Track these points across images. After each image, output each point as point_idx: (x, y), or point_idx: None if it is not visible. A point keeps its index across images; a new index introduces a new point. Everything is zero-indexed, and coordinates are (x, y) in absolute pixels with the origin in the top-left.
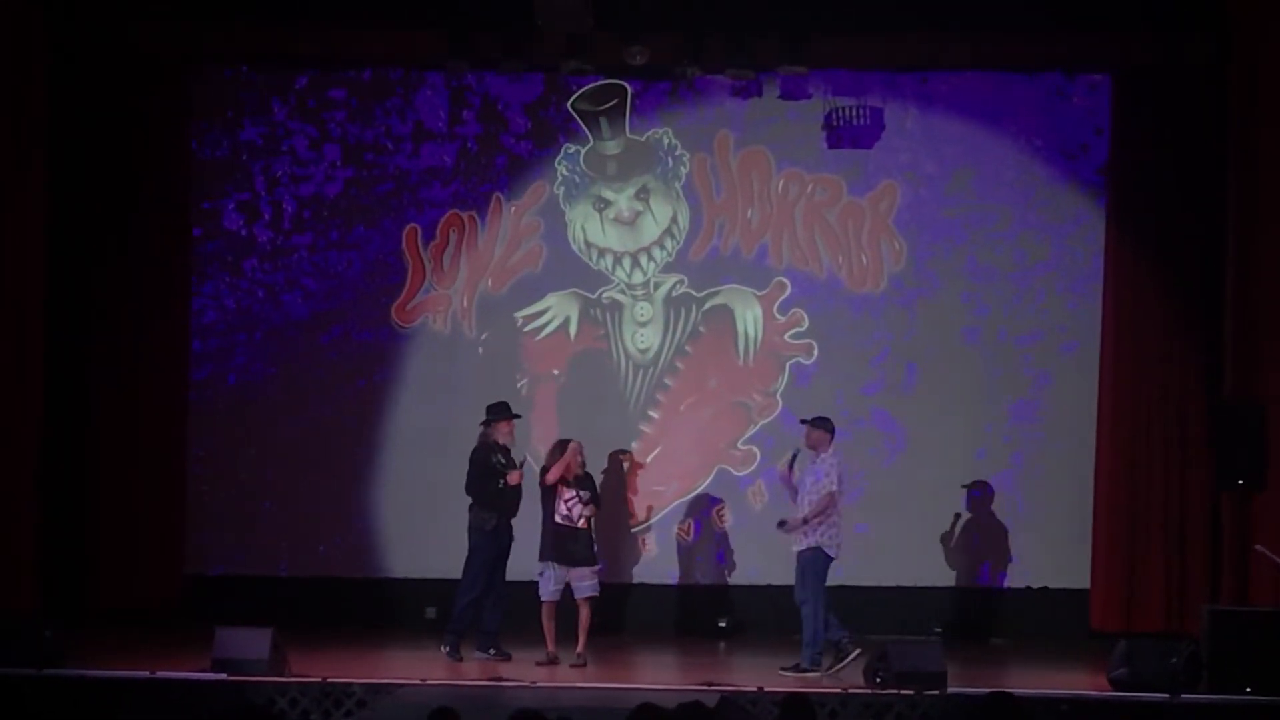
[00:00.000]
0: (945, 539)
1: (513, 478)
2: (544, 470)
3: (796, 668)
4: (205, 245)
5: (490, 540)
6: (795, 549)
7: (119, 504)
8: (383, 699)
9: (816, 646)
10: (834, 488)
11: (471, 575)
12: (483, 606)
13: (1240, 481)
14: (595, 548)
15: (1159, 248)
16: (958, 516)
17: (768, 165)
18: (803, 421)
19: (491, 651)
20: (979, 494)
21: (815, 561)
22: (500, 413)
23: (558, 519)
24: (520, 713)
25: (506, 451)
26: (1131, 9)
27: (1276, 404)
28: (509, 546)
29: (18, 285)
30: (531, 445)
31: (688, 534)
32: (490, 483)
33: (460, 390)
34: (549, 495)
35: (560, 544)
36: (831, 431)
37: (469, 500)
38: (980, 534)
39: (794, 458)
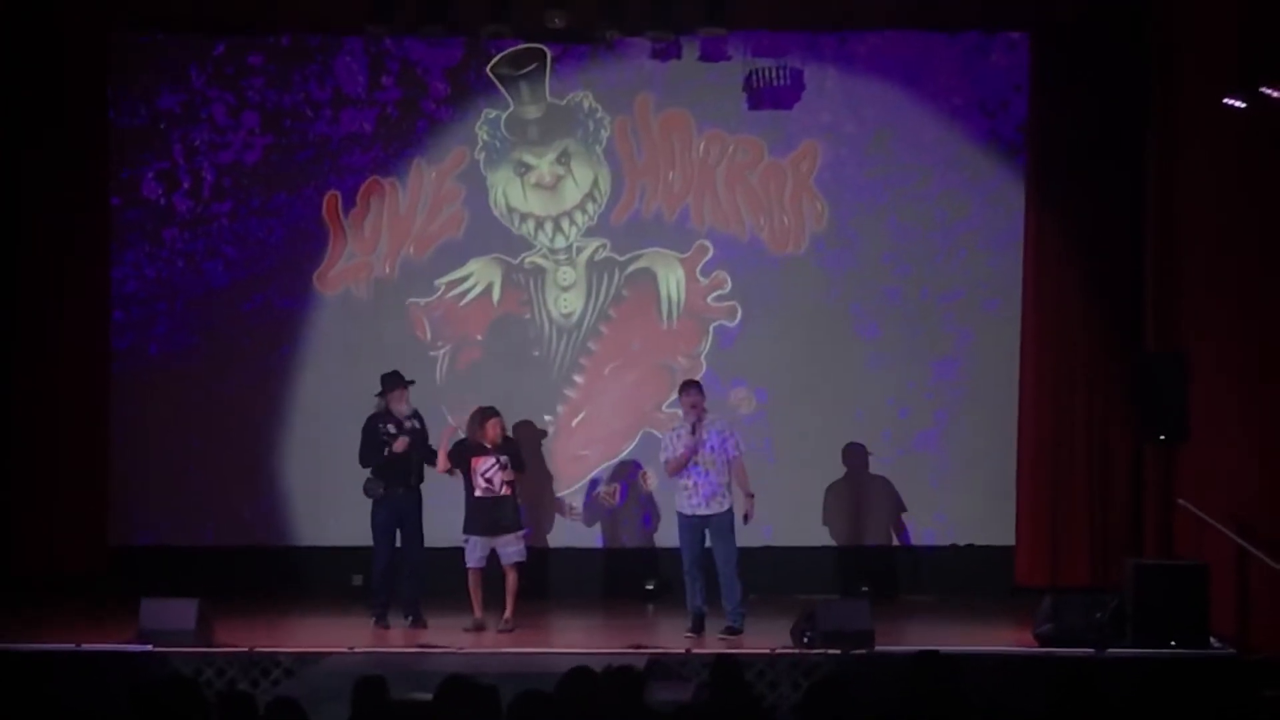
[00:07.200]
0: (867, 498)
1: (397, 445)
2: (458, 444)
3: (729, 630)
4: (125, 214)
5: (384, 508)
6: (710, 512)
7: (42, 474)
8: (309, 668)
9: (742, 605)
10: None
11: (376, 544)
12: (400, 574)
13: (1162, 436)
14: (521, 513)
15: (1079, 205)
16: (879, 476)
17: (689, 127)
18: (696, 386)
19: (409, 619)
20: (901, 452)
21: (732, 524)
22: (392, 382)
23: (478, 492)
24: (450, 679)
25: (397, 420)
26: None
27: (1195, 357)
28: (412, 513)
29: None
30: (455, 411)
31: (613, 497)
32: (376, 452)
33: (383, 357)
34: (465, 468)
35: (484, 515)
36: None
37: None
38: (903, 492)
39: (695, 425)
